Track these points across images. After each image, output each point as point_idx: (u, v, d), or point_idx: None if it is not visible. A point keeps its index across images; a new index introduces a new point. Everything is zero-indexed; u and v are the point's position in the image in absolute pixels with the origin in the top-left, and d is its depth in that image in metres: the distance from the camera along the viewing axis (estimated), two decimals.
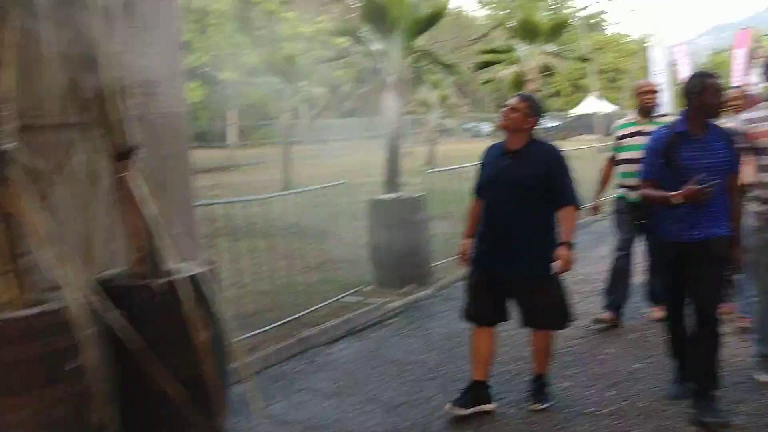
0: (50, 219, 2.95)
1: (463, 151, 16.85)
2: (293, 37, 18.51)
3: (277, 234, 6.16)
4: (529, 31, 14.72)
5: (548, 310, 3.69)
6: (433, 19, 10.59)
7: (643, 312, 5.19)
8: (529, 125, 3.68)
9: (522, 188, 3.59)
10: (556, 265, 3.55)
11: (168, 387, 3.09)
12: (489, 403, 3.72)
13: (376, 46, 10.59)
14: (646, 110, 5.07)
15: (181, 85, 4.25)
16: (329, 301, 5.82)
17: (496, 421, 3.62)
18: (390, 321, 5.57)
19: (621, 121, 5.32)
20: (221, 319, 3.46)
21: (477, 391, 3.72)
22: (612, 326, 5.05)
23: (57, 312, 2.76)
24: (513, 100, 3.72)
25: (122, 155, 3.41)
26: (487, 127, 29.49)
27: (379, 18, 10.08)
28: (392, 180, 10.58)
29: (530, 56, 14.76)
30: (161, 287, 3.20)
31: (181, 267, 3.44)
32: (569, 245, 3.55)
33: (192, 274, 3.33)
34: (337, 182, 6.59)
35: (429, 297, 6.16)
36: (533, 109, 3.68)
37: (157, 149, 3.79)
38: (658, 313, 4.80)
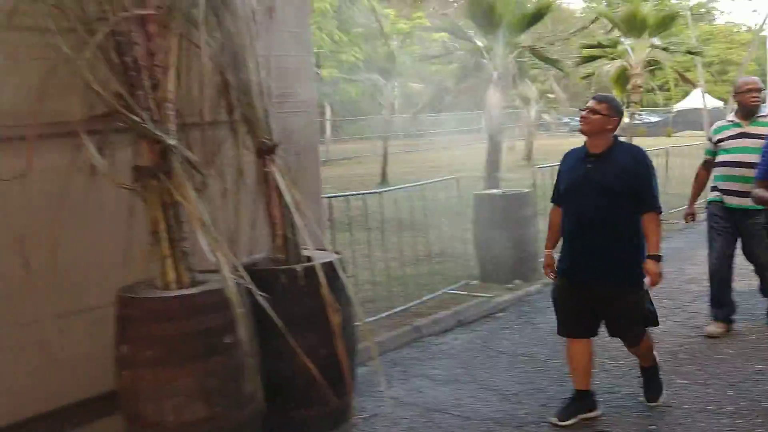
0: (207, 208, 3.26)
1: (559, 146, 16.64)
2: (391, 33, 18.81)
3: (385, 226, 6.37)
4: (635, 24, 14.33)
5: (631, 319, 3.58)
6: (539, 14, 10.56)
7: (761, 315, 5.07)
8: (610, 127, 3.52)
9: (606, 193, 3.43)
10: (646, 281, 3.44)
11: (306, 364, 3.35)
12: (595, 409, 3.67)
13: (481, 42, 10.69)
14: (750, 110, 4.70)
15: (311, 85, 4.53)
16: (437, 293, 6.00)
17: (613, 416, 3.67)
18: (498, 315, 5.67)
19: (720, 123, 4.96)
20: (351, 304, 3.71)
21: (581, 401, 3.67)
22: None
23: (215, 292, 3.06)
24: (591, 103, 3.55)
25: (265, 151, 3.72)
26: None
27: (484, 14, 10.16)
28: (493, 175, 10.67)
29: (636, 50, 14.37)
30: (302, 272, 3.47)
31: (315, 254, 3.71)
32: (657, 258, 3.42)
33: (327, 261, 3.58)
34: (448, 177, 6.75)
35: (536, 293, 6.21)
36: (613, 109, 3.52)
37: (290, 145, 4.08)
38: None
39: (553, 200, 3.78)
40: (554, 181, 3.83)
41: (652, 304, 3.62)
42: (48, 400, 3.28)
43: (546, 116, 22.88)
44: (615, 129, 3.57)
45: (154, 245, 3.20)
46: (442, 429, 3.60)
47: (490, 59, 10.41)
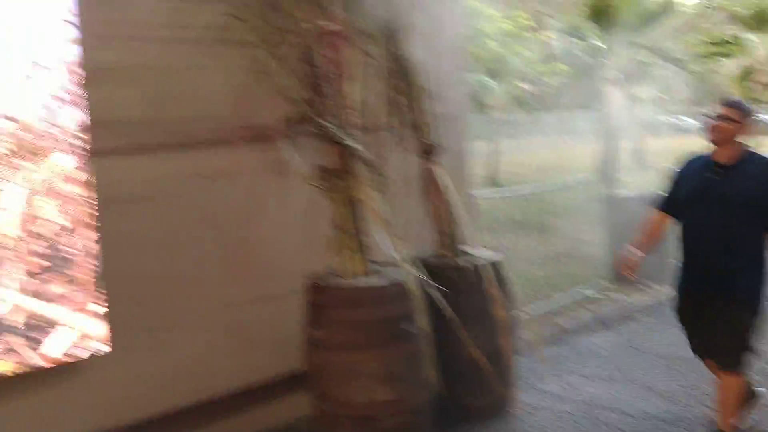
0: (385, 205, 3.51)
1: (670, 147, 16.09)
2: (495, 34, 18.77)
3: (509, 227, 6.46)
4: (762, 20, 13.72)
5: (730, 336, 3.25)
6: (661, 11, 10.36)
7: None
8: (742, 134, 3.24)
9: (732, 207, 3.18)
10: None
11: (474, 354, 3.53)
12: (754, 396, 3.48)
13: (598, 41, 10.60)
14: None
15: (463, 88, 4.72)
16: (574, 294, 6.05)
17: None
18: (638, 316, 5.66)
19: None
20: (513, 300, 3.86)
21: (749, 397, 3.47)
22: None
23: (399, 283, 3.29)
24: (722, 109, 3.23)
25: (428, 152, 3.94)
26: (694, 123, 27.45)
27: (603, 13, 10.06)
28: (611, 176, 10.53)
29: (761, 46, 13.75)
30: (470, 268, 3.66)
31: (478, 252, 3.89)
32: None
33: (492, 258, 3.75)
34: (580, 177, 6.78)
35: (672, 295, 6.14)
36: (745, 115, 3.23)
37: (446, 148, 4.26)
38: None
39: (661, 206, 3.50)
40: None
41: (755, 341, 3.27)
42: (242, 377, 3.62)
43: (659, 117, 22.12)
44: (746, 135, 3.28)
45: (338, 239, 3.47)
46: (607, 425, 3.68)
47: (608, 58, 10.31)
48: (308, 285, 3.38)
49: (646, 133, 20.28)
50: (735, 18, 14.91)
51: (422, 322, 3.29)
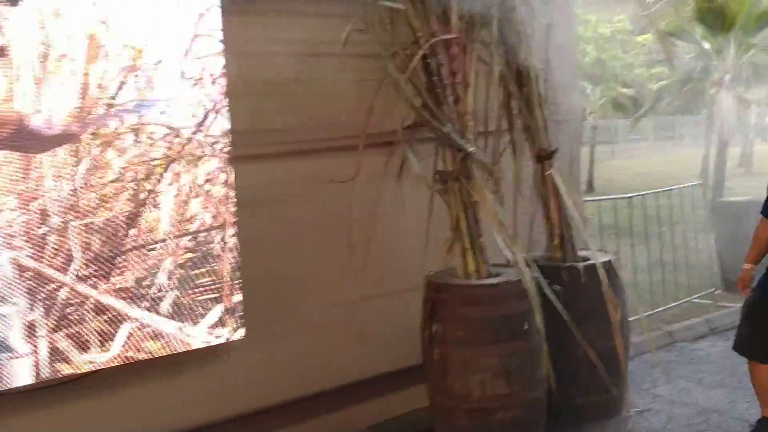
0: (500, 208, 3.64)
1: None
2: (593, 39, 18.45)
3: (613, 232, 6.40)
4: None
5: None
6: None
7: None
8: None
9: None
10: None
11: (590, 355, 3.60)
12: None
13: (709, 43, 10.29)
14: None
15: (576, 95, 4.79)
16: (681, 301, 5.95)
17: None
18: None
19: None
20: (626, 302, 3.90)
21: None
22: None
23: (515, 282, 3.42)
24: None
25: (544, 157, 4.03)
26: None
27: (711, 15, 9.77)
28: (718, 182, 10.18)
29: None
30: (583, 270, 3.73)
31: (590, 254, 3.95)
32: None
33: (606, 260, 3.81)
34: (692, 183, 6.66)
35: None
36: None
37: (560, 152, 4.34)
38: None
39: (765, 212, 3.46)
40: None
41: None
42: (358, 370, 3.84)
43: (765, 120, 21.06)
44: None
45: (455, 240, 3.63)
46: (719, 427, 3.66)
47: (717, 60, 10.00)
48: (427, 283, 3.56)
49: (757, 137, 19.39)
50: None
51: (538, 320, 3.40)
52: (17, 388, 2.83)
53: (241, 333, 3.35)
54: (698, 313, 5.65)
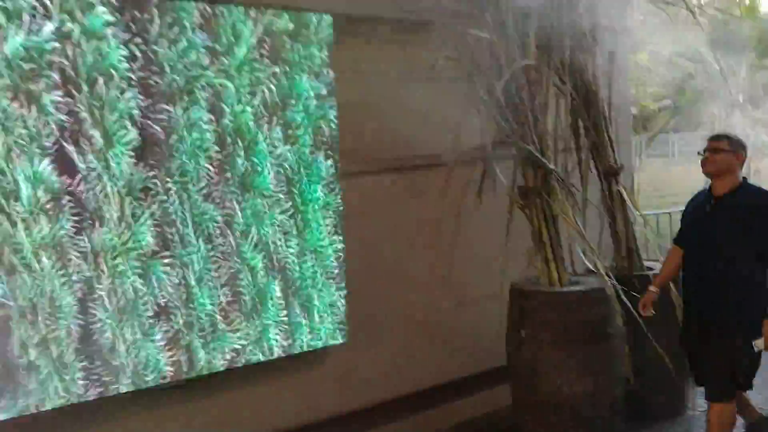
0: (579, 220, 3.95)
1: None
2: None
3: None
4: None
5: (718, 367, 3.28)
6: None
7: None
8: (737, 163, 3.29)
9: (726, 240, 3.21)
10: (758, 342, 3.17)
11: (662, 356, 3.89)
12: None
13: (718, 64, 10.71)
14: None
15: (630, 115, 5.13)
16: None
17: None
18: None
19: None
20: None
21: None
22: None
23: (597, 289, 3.72)
24: (713, 143, 3.31)
25: (611, 174, 4.35)
26: None
27: (725, 37, 10.18)
28: None
29: None
30: (651, 277, 4.03)
31: (654, 264, 4.26)
32: None
33: None
34: None
35: None
36: (737, 144, 3.30)
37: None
38: None
39: (675, 240, 3.62)
40: None
41: (751, 371, 3.30)
42: (445, 372, 4.12)
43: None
44: (742, 166, 3.35)
45: (537, 251, 3.93)
46: None
47: (730, 81, 10.41)
48: (513, 291, 3.85)
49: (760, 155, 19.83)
50: None
51: (619, 324, 3.70)
52: (160, 385, 3.09)
53: (343, 337, 3.62)
54: None
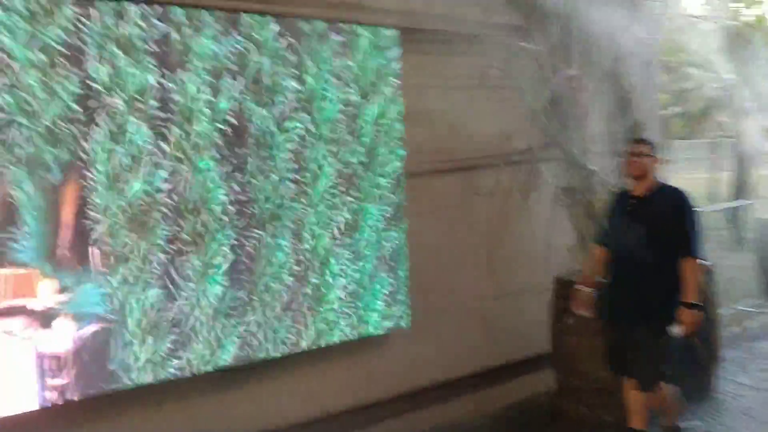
0: None
1: None
2: None
3: None
4: None
5: (647, 358, 3.46)
6: None
7: None
8: (655, 167, 3.52)
9: (646, 237, 3.39)
10: (677, 329, 3.37)
11: (692, 342, 4.21)
12: None
13: (729, 74, 11.06)
14: None
15: (657, 120, 5.45)
16: (731, 307, 6.60)
17: None
18: None
19: None
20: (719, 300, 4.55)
21: None
22: None
23: None
24: (637, 146, 3.53)
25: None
26: None
27: (737, 46, 10.53)
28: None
29: None
30: None
31: None
32: (692, 306, 3.34)
33: (706, 264, 4.44)
34: (747, 202, 7.35)
35: None
36: (656, 149, 3.54)
37: None
38: None
39: (597, 239, 3.79)
40: None
41: (673, 362, 3.51)
42: (492, 358, 4.43)
43: None
44: (657, 168, 3.55)
45: (580, 246, 4.26)
46: None
47: (741, 90, 10.75)
48: (559, 282, 4.17)
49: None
50: None
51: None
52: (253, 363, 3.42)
53: (406, 323, 3.94)
54: (745, 318, 6.29)
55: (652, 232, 3.39)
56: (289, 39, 3.50)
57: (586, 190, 4.26)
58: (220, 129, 3.32)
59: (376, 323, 3.83)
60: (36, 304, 3.03)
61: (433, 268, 4.14)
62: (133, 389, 3.11)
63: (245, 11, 3.35)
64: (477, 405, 4.27)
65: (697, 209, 3.51)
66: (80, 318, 3.04)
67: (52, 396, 2.96)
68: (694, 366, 4.30)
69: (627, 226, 3.48)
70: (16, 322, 2.98)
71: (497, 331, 4.45)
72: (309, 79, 3.57)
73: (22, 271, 2.97)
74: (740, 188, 10.98)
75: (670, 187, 3.59)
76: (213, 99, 3.29)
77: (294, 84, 3.51)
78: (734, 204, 7.45)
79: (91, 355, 3.04)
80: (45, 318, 2.99)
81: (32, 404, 2.92)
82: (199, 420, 3.34)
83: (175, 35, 3.18)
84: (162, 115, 3.15)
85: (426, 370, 4.13)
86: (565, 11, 4.30)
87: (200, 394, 3.35)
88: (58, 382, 2.99)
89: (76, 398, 3.00)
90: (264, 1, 3.44)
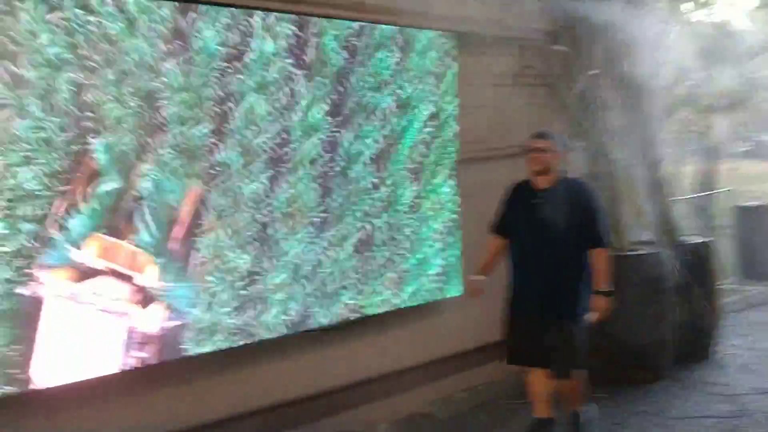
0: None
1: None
2: None
3: None
4: None
5: (562, 348, 3.49)
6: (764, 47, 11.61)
7: None
8: (558, 161, 3.55)
9: (553, 229, 3.43)
10: (590, 315, 3.48)
11: (699, 309, 4.87)
12: None
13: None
14: None
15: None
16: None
17: None
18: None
19: None
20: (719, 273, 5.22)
21: (541, 428, 3.68)
22: None
23: (654, 254, 4.68)
24: (537, 142, 3.54)
25: (654, 163, 5.31)
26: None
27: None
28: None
29: None
30: (690, 247, 5.01)
31: (692, 238, 5.24)
32: (604, 293, 3.47)
33: (707, 240, 5.12)
34: (723, 189, 8.10)
35: None
36: (559, 143, 3.58)
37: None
38: None
39: (493, 230, 3.76)
40: None
41: (586, 349, 3.55)
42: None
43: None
44: (559, 162, 3.57)
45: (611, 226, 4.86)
46: None
47: (711, 88, 11.63)
48: None
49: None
50: None
51: (673, 281, 4.67)
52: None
53: (459, 291, 4.48)
54: (728, 294, 7.02)
55: (559, 225, 3.41)
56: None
57: (609, 176, 4.87)
58: None
59: (435, 291, 4.37)
60: (142, 280, 3.45)
61: (480, 242, 4.67)
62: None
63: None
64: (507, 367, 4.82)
65: (602, 200, 3.62)
66: (172, 309, 3.37)
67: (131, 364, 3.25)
68: (700, 332, 4.97)
69: (533, 219, 3.49)
70: (123, 289, 3.34)
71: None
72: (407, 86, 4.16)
73: (139, 250, 3.36)
74: (706, 180, 11.86)
75: (575, 179, 3.69)
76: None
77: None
78: (707, 193, 8.14)
79: (171, 343, 3.37)
80: (144, 297, 3.34)
81: (112, 369, 3.19)
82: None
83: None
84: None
85: (476, 332, 4.65)
86: (588, 18, 4.90)
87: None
88: (139, 355, 3.29)
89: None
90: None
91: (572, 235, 3.44)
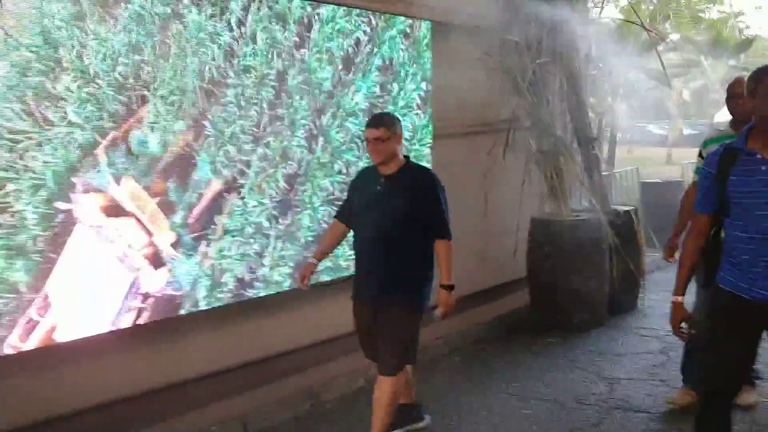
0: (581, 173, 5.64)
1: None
2: None
3: None
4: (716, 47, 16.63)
5: (391, 338, 3.27)
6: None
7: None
8: (398, 145, 3.34)
9: (394, 216, 3.24)
10: (437, 312, 3.33)
11: (629, 268, 5.69)
12: (422, 420, 3.69)
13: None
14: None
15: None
16: None
17: None
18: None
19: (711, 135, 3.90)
20: (641, 235, 6.08)
21: (404, 413, 3.56)
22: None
23: (593, 220, 5.44)
24: (371, 132, 3.30)
25: (588, 141, 6.08)
26: (658, 130, 26.16)
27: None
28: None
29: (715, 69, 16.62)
30: (622, 214, 5.82)
31: (619, 208, 6.06)
32: (450, 287, 3.31)
33: (633, 209, 5.96)
34: (630, 168, 9.13)
35: None
36: (394, 126, 3.33)
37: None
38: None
39: (337, 215, 3.65)
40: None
41: (417, 342, 3.38)
42: (479, 283, 5.66)
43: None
44: (401, 145, 3.37)
45: (551, 194, 5.58)
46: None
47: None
48: (536, 221, 5.47)
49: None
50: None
51: (608, 243, 5.45)
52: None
53: None
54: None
55: (399, 212, 3.25)
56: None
57: (553, 151, 5.59)
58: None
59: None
60: (159, 240, 3.83)
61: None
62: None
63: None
64: (474, 317, 5.46)
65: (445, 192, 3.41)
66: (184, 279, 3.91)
67: (127, 319, 3.70)
68: (629, 286, 5.80)
69: (376, 205, 3.32)
70: (142, 240, 3.74)
71: (486, 261, 5.69)
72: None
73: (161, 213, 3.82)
74: (609, 160, 13.05)
75: (420, 167, 3.62)
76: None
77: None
78: (618, 171, 9.19)
79: (168, 303, 3.87)
80: (157, 258, 3.80)
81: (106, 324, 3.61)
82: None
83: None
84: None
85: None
86: (537, 12, 5.56)
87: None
88: (137, 306, 3.72)
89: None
90: None
91: (412, 224, 3.27)
